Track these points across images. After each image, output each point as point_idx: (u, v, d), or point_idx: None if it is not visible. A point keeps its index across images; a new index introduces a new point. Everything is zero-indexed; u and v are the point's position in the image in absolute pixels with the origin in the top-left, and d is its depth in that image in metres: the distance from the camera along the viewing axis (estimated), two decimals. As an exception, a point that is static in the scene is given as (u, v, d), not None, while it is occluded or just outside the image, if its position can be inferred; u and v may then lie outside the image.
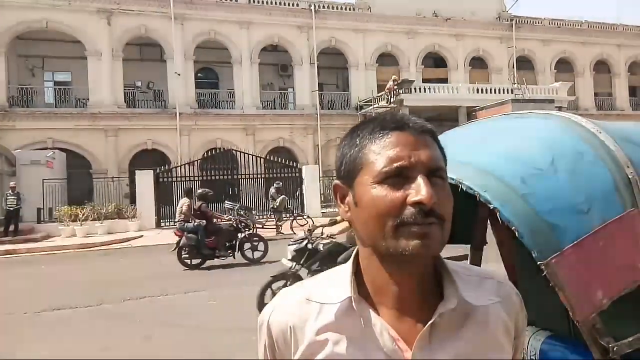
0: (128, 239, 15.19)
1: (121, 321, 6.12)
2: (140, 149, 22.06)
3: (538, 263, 1.04)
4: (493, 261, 2.24)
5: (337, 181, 0.82)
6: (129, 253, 12.78)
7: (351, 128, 0.83)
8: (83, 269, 10.53)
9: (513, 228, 1.07)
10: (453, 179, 1.18)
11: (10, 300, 7.51)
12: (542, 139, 1.33)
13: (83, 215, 16.34)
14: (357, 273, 0.80)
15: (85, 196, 19.03)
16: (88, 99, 21.67)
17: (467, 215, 2.10)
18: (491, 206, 1.11)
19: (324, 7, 25.15)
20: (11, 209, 15.06)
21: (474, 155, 1.34)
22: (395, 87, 22.07)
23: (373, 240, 0.75)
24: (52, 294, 7.79)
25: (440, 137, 1.71)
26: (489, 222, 2.16)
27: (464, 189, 1.16)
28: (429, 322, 0.74)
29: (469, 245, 2.15)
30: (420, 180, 0.72)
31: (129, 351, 4.95)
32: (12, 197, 15.09)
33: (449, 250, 2.09)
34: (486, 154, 1.34)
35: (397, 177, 0.73)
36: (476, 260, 2.14)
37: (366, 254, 0.79)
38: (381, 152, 0.74)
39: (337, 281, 0.80)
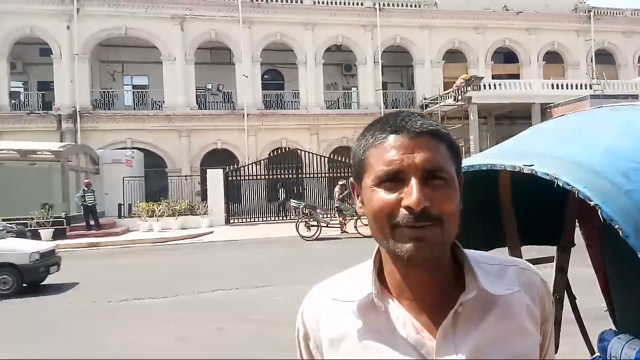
0: (200, 235, 15.88)
1: (196, 312, 6.42)
2: (211, 149, 22.97)
3: (646, 264, 0.98)
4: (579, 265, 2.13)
5: (351, 179, 0.87)
6: (201, 248, 13.36)
7: (364, 129, 0.86)
8: (159, 262, 11.13)
9: (616, 227, 1.01)
10: (548, 175, 1.14)
11: (94, 289, 8.09)
12: (643, 133, 1.26)
13: (159, 211, 17.26)
14: (380, 268, 0.84)
15: (161, 193, 20.16)
16: (163, 102, 22.87)
17: (553, 215, 2.01)
18: (591, 203, 1.05)
19: (388, 5, 24.90)
20: (89, 204, 15.94)
21: (569, 150, 1.28)
22: (463, 84, 21.43)
23: (377, 239, 0.79)
24: (132, 284, 8.30)
25: (531, 130, 1.66)
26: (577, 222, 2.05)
27: (561, 185, 1.11)
28: (452, 311, 0.76)
29: (554, 247, 2.06)
30: (412, 184, 0.73)
31: (203, 341, 5.18)
32: (89, 194, 15.94)
33: (533, 251, 2.03)
34: (582, 148, 1.28)
35: (393, 180, 0.75)
36: (563, 262, 2.05)
37: (382, 250, 0.83)
38: (379, 156, 0.77)
39: (360, 278, 0.84)
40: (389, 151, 0.76)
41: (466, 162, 1.47)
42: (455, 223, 0.77)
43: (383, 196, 0.75)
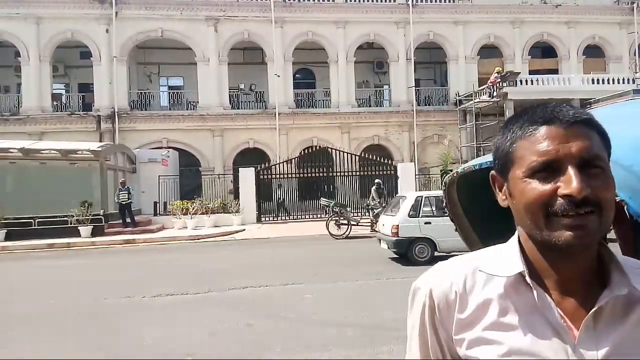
0: (232, 232, 16.11)
1: (226, 308, 6.50)
2: (243, 148, 23.27)
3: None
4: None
5: (493, 172, 0.87)
6: (232, 245, 13.55)
7: (506, 120, 0.86)
8: (192, 259, 11.35)
9: (645, 223, 0.96)
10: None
11: (129, 285, 8.31)
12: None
13: (193, 209, 17.61)
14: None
15: (195, 191, 20.55)
16: (197, 102, 23.31)
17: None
18: (617, 198, 1.00)
19: (421, 0, 24.58)
20: (123, 202, 16.42)
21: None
22: (499, 80, 20.92)
23: (528, 229, 0.79)
24: (166, 280, 8.49)
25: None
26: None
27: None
28: (596, 306, 0.75)
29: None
30: (570, 172, 0.73)
31: (233, 337, 5.24)
32: (123, 192, 16.42)
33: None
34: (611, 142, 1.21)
35: (547, 170, 0.75)
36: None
37: (525, 237, 0.83)
38: (530, 148, 0.77)
39: (504, 257, 0.83)
40: (542, 142, 0.76)
41: (486, 158, 1.42)
42: (612, 212, 0.76)
43: (537, 186, 0.75)
